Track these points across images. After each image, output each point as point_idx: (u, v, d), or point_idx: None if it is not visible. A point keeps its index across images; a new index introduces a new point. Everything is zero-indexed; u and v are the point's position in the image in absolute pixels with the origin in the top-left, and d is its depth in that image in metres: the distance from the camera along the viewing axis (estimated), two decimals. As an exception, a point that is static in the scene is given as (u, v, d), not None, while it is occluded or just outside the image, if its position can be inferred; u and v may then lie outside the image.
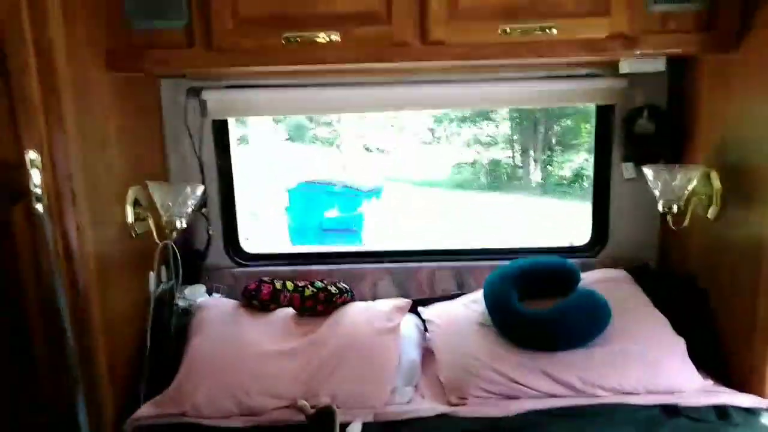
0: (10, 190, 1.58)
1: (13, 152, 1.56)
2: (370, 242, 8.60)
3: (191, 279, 2.32)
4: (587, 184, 10.97)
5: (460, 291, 2.38)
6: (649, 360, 1.85)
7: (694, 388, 1.83)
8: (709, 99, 2.02)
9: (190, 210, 2.04)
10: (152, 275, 2.10)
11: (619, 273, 2.23)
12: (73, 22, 1.64)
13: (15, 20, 1.49)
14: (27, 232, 1.61)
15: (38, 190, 1.57)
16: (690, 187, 1.89)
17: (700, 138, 2.07)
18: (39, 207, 1.57)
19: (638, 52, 1.81)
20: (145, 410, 1.83)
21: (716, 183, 1.90)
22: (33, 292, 1.64)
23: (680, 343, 1.91)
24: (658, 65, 1.93)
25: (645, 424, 1.65)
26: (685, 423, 1.66)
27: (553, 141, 11.98)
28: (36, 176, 1.57)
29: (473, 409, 1.81)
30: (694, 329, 1.97)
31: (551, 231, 8.58)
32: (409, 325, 2.21)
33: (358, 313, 2.13)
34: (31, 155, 1.56)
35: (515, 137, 12.32)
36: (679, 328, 1.96)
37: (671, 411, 1.70)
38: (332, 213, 9.01)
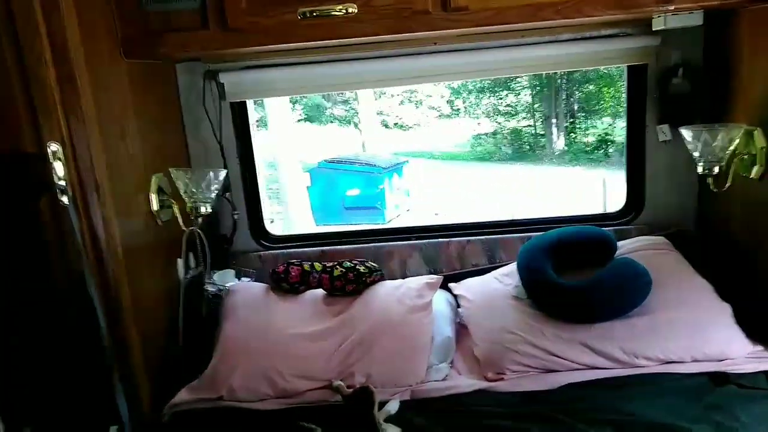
0: (34, 183, 1.57)
1: (34, 145, 1.54)
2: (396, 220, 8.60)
3: (219, 264, 2.30)
4: (612, 149, 10.75)
5: (491, 264, 2.33)
6: (695, 327, 1.80)
7: (742, 355, 1.77)
8: (750, 53, 1.90)
9: (214, 195, 2.02)
10: (180, 262, 2.10)
11: (657, 239, 2.15)
12: (86, 10, 1.60)
13: (27, 11, 1.46)
14: (53, 225, 1.60)
15: (62, 183, 1.55)
16: (732, 147, 1.80)
17: (741, 95, 1.96)
18: (64, 199, 1.55)
19: (673, 7, 1.70)
20: (182, 396, 1.84)
21: (760, 141, 1.80)
22: (63, 284, 1.63)
23: (726, 309, 1.85)
24: (696, 19, 1.82)
25: (693, 392, 1.60)
26: (735, 390, 1.60)
27: (576, 107, 11.75)
28: (59, 168, 1.55)
29: (512, 383, 1.78)
30: (739, 294, 1.90)
31: (578, 199, 8.45)
32: (440, 301, 2.17)
33: (388, 291, 2.11)
34: (53, 147, 1.54)
35: (536, 105, 12.11)
36: (724, 294, 1.89)
37: (720, 378, 1.65)
38: (354, 191, 9.00)
